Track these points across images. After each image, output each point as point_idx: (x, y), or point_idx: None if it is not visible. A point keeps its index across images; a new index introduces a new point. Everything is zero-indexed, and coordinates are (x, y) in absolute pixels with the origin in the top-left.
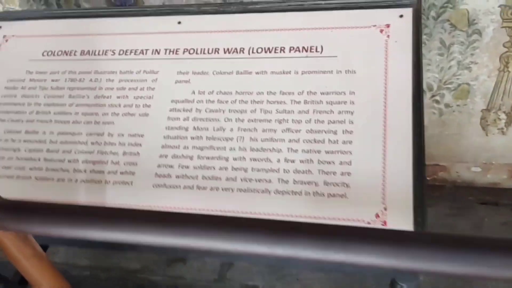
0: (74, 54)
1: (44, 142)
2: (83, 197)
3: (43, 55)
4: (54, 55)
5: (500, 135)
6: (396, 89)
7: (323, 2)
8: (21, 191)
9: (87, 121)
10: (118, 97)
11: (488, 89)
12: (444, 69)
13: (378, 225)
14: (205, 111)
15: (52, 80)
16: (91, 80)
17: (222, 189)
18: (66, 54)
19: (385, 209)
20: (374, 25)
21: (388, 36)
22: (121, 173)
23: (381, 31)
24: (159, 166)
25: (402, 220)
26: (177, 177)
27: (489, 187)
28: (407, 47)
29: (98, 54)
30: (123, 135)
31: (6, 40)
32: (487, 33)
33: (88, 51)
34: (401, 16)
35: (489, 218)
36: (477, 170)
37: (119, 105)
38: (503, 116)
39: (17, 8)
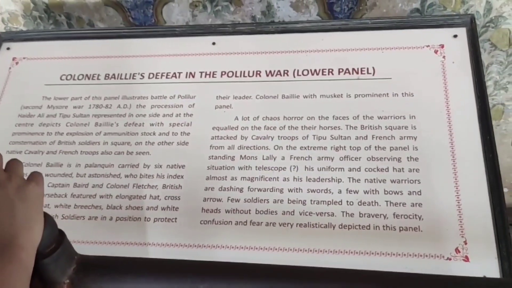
0: (98, 78)
1: (70, 175)
2: (121, 236)
3: (61, 79)
4: (74, 79)
5: None
6: (460, 112)
7: (369, 21)
8: None
9: (118, 151)
10: (152, 125)
11: None
12: None
13: (459, 261)
14: (252, 138)
15: (74, 107)
16: (119, 106)
17: (280, 224)
18: (88, 78)
19: (465, 242)
20: (428, 46)
21: (444, 56)
22: (163, 208)
23: (436, 51)
24: (205, 200)
25: (485, 254)
26: (227, 211)
27: None
28: (466, 68)
29: (125, 78)
30: (161, 166)
31: (17, 63)
32: None
33: (114, 74)
34: (455, 36)
35: None
36: (505, 190)
37: (154, 133)
38: None
39: (22, 27)
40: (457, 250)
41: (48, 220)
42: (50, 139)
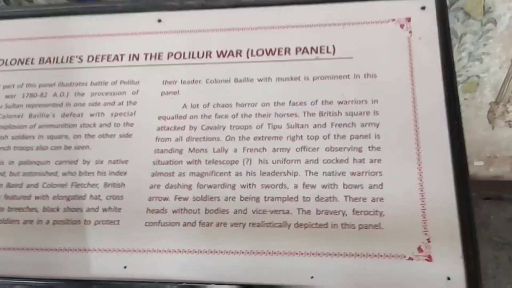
0: (32, 63)
1: (2, 174)
2: (58, 242)
3: None
4: (5, 64)
5: (507, 127)
6: (426, 94)
7: None
8: None
9: (55, 146)
10: (92, 115)
11: (499, 81)
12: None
13: (422, 261)
14: (201, 128)
15: (6, 96)
16: (55, 94)
17: (231, 224)
18: (21, 63)
19: (429, 240)
20: (393, 19)
21: (410, 32)
22: (104, 210)
23: (402, 26)
24: (150, 199)
25: (449, 253)
26: (174, 211)
27: (492, 181)
28: (434, 44)
29: (62, 62)
30: (102, 162)
31: None
32: (503, 21)
33: (49, 58)
34: (423, 8)
35: (494, 215)
36: (480, 164)
37: (94, 125)
38: (511, 108)
39: None
40: (419, 249)
41: None
42: None
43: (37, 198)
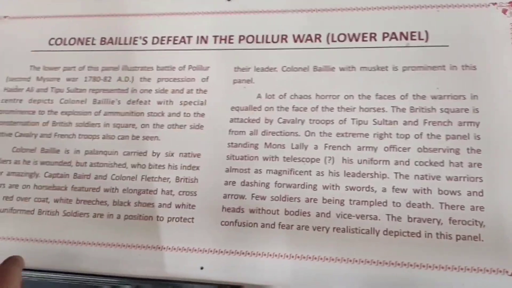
0: (93, 43)
1: (69, 164)
2: (131, 238)
3: (50, 43)
4: (64, 43)
5: None
6: None
7: None
8: (45, 230)
9: (122, 135)
10: (160, 103)
11: None
12: None
13: None
14: (278, 121)
15: (68, 79)
16: (119, 79)
17: (313, 228)
18: (82, 43)
19: None
20: (494, 3)
21: None
22: (177, 206)
23: (504, 11)
24: (225, 196)
25: None
26: (252, 211)
27: None
28: None
29: (125, 43)
30: (172, 154)
31: None
32: None
33: (111, 38)
34: None
35: None
36: None
37: (162, 114)
38: None
39: None
40: None
41: None
42: (43, 119)
43: (106, 190)
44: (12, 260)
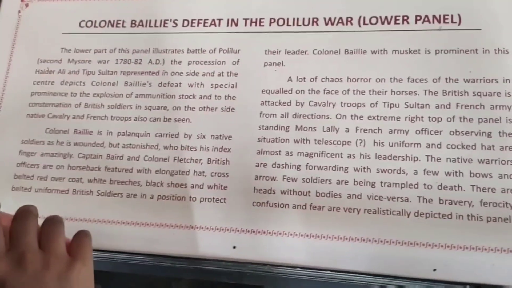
0: (123, 25)
1: (101, 145)
2: (164, 217)
3: (80, 26)
4: (95, 26)
5: None
6: None
7: None
8: (80, 210)
9: (154, 117)
10: (190, 86)
11: None
12: None
13: None
14: (309, 104)
15: (99, 62)
16: (150, 61)
17: (344, 209)
18: (112, 25)
19: None
20: None
21: None
22: (210, 187)
23: None
24: (257, 178)
25: None
26: (283, 192)
27: None
28: None
29: (155, 26)
30: (204, 136)
31: (26, 5)
32: None
33: (141, 21)
34: None
35: None
36: None
37: (194, 96)
38: None
39: None
40: None
41: None
42: (75, 101)
43: (139, 171)
44: (85, 234)
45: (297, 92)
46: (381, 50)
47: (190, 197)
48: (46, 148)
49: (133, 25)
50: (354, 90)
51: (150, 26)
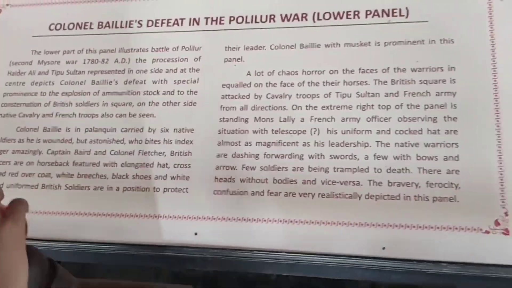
0: (90, 27)
1: (70, 141)
2: (129, 208)
3: (50, 29)
4: (64, 28)
5: None
6: (508, 61)
7: None
8: (49, 203)
9: (120, 113)
10: (155, 82)
11: None
12: None
13: (498, 234)
14: (266, 97)
15: (68, 62)
16: (116, 60)
17: (300, 194)
18: (80, 27)
19: (506, 214)
20: None
21: None
22: (172, 177)
23: None
24: (217, 168)
25: None
26: (242, 181)
27: None
28: None
29: (121, 27)
30: (167, 130)
31: None
32: None
33: (108, 22)
34: None
35: None
36: None
37: (157, 92)
38: None
39: None
40: (496, 222)
41: (34, 259)
42: (45, 100)
43: (105, 165)
44: (20, 201)
45: (256, 85)
46: (334, 44)
47: (154, 188)
48: (17, 146)
49: (100, 26)
50: (309, 82)
51: (116, 27)
